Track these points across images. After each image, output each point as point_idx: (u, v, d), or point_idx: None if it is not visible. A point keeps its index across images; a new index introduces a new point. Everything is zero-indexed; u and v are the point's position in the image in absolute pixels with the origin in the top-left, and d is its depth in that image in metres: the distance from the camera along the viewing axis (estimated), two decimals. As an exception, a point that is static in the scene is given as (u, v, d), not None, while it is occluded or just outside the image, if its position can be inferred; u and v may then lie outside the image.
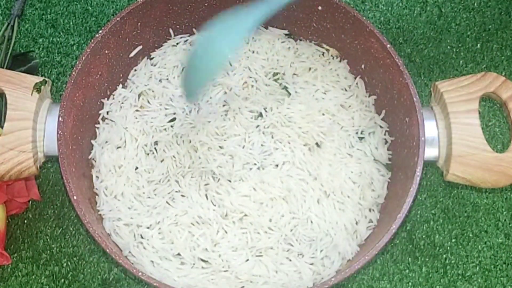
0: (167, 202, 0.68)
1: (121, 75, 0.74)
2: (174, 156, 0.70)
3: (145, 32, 0.73)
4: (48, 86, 0.68)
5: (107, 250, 0.61)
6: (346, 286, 0.73)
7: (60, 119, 0.65)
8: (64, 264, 0.73)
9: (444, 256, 0.75)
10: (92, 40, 0.68)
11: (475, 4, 0.88)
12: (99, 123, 0.72)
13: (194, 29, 0.76)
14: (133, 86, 0.74)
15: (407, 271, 0.74)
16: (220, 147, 0.69)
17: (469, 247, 0.75)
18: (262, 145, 0.70)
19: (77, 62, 0.67)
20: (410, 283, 0.73)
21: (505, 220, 0.77)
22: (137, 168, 0.70)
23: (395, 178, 0.69)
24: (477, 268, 0.74)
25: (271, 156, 0.69)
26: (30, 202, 0.75)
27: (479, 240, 0.76)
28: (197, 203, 0.67)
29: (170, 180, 0.69)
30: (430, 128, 0.66)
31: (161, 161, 0.70)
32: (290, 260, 0.66)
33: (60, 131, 0.64)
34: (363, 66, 0.73)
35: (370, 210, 0.69)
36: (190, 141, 0.69)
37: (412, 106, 0.66)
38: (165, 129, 0.71)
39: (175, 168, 0.69)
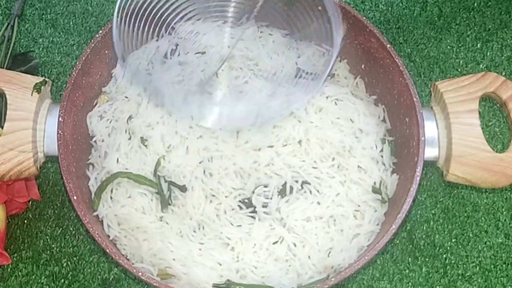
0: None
1: (121, 75, 0.74)
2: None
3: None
4: (48, 86, 0.68)
5: (107, 250, 0.61)
6: (346, 286, 0.73)
7: (60, 119, 0.65)
8: (64, 264, 0.73)
9: (444, 256, 0.75)
10: (92, 40, 0.68)
11: (475, 4, 0.88)
12: (99, 123, 0.72)
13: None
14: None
15: (407, 271, 0.74)
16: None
17: (469, 247, 0.75)
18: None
19: (77, 62, 0.67)
20: (410, 283, 0.73)
21: (505, 220, 0.77)
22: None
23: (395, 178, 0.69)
24: (477, 268, 0.74)
25: None
26: (30, 202, 0.75)
27: (479, 240, 0.76)
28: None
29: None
30: (430, 128, 0.66)
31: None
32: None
33: (60, 131, 0.64)
34: (363, 66, 0.73)
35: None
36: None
37: (412, 106, 0.66)
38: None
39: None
